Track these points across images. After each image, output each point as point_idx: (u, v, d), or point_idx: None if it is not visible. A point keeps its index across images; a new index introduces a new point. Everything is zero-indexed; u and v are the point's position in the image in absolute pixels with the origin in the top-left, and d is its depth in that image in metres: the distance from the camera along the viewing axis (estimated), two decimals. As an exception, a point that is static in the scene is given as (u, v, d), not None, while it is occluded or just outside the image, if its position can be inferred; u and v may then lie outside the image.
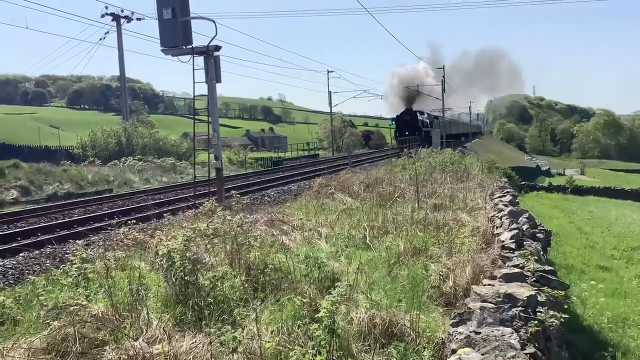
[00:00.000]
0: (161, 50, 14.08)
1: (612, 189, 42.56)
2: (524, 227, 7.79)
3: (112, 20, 39.41)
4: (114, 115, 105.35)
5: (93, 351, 4.19)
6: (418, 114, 50.18)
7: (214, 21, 14.05)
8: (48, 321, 4.60)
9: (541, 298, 4.64)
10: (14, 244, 11.23)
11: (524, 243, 6.70)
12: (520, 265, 5.62)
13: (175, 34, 13.71)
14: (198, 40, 15.32)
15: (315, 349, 3.87)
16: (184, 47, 13.92)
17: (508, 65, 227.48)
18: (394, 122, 50.66)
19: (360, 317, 4.67)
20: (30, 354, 4.02)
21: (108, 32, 40.15)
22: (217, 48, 14.10)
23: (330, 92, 62.46)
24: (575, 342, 6.38)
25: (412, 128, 47.24)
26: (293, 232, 8.66)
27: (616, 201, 36.35)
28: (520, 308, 4.24)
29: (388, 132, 67.99)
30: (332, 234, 8.45)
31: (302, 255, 6.54)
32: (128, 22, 39.99)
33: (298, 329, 4.43)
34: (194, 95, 15.40)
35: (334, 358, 3.82)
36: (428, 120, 53.32)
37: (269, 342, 4.12)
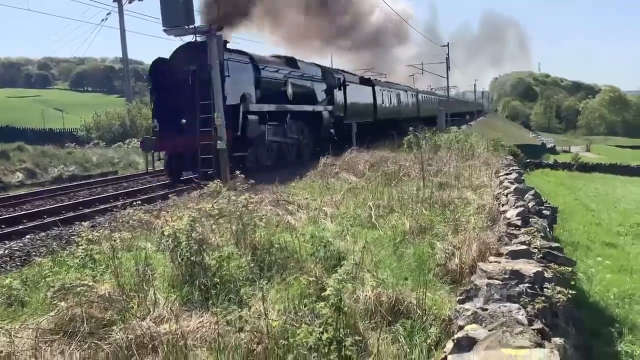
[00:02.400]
0: (163, 30, 13.97)
1: (618, 166, 42.11)
2: (530, 205, 7.76)
3: (114, 1, 39.01)
4: (118, 97, 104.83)
5: (101, 331, 4.21)
6: (231, 56, 15.87)
7: (216, 0, 13.92)
8: (55, 302, 4.62)
9: (548, 274, 4.62)
10: (20, 227, 11.27)
11: (530, 220, 6.68)
12: (527, 242, 5.59)
13: (177, 14, 13.58)
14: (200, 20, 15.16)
15: (322, 326, 3.88)
16: (186, 27, 13.80)
17: (514, 32, 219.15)
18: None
19: (366, 295, 4.68)
20: (39, 335, 4.04)
21: (110, 13, 39.70)
22: (220, 28, 13.97)
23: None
24: (582, 318, 6.38)
25: (192, 97, 14.78)
26: (298, 211, 8.65)
27: (622, 178, 36.05)
28: (527, 284, 4.22)
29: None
30: (337, 213, 8.43)
31: (308, 235, 6.56)
32: (130, 2, 39.50)
33: (305, 307, 4.44)
34: (197, 76, 15.27)
35: (341, 335, 3.82)
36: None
37: (275, 320, 4.13)
